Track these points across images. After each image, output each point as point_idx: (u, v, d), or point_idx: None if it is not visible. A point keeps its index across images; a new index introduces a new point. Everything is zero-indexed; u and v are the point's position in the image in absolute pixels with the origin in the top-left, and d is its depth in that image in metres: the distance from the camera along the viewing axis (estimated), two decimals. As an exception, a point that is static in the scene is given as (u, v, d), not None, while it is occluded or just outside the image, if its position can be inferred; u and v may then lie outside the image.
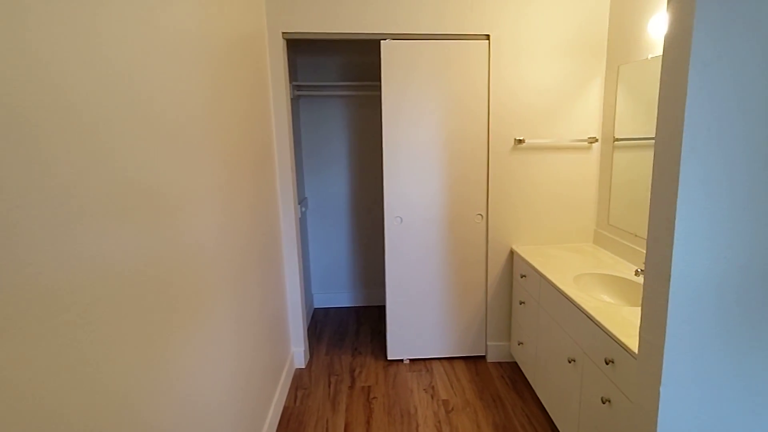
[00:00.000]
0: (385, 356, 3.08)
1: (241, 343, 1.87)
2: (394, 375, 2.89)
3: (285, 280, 2.81)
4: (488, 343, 2.95)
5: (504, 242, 2.81)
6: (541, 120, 2.65)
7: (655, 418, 1.23)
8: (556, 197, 2.75)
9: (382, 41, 2.60)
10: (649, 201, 2.33)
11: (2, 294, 0.68)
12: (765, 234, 1.16)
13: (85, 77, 0.90)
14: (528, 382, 2.73)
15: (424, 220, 2.79)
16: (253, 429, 1.99)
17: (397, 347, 2.98)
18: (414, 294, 2.89)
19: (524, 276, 2.59)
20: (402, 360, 3.03)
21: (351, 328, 3.59)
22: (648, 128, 2.27)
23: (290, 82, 3.10)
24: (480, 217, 2.80)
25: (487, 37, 2.58)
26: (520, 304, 2.66)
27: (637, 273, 2.12)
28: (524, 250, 2.69)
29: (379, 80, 2.76)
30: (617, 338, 1.62)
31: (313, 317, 3.82)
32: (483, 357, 3.02)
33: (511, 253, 2.82)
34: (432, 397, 2.64)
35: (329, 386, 2.78)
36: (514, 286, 2.79)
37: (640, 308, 1.84)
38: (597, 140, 2.65)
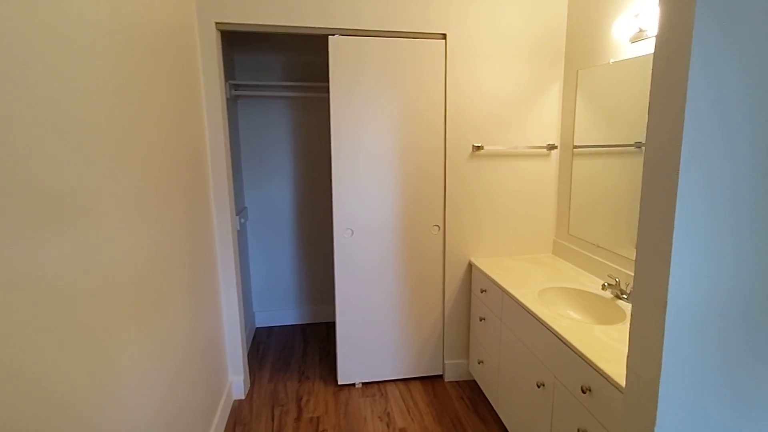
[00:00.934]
0: (336, 380, 2.82)
1: (163, 380, 1.55)
2: (346, 402, 2.63)
3: (221, 300, 2.48)
4: (446, 361, 2.77)
5: (462, 254, 2.65)
6: (499, 126, 2.53)
7: (652, 467, 1.07)
8: (515, 206, 2.63)
9: (330, 37, 2.36)
10: (612, 211, 2.29)
11: None
12: (775, 253, 1.03)
13: None
14: (489, 403, 2.57)
15: (376, 232, 2.58)
16: (179, 488, 1.67)
17: (349, 370, 2.73)
18: (366, 312, 2.65)
19: (484, 291, 2.44)
20: (354, 384, 2.78)
21: (297, 349, 3.29)
22: (609, 135, 2.19)
23: (227, 80, 2.78)
24: (437, 228, 2.63)
25: (444, 36, 2.42)
26: (480, 320, 2.50)
27: (604, 287, 2.01)
28: (483, 263, 2.55)
29: (328, 81, 2.52)
30: (594, 364, 1.47)
31: (254, 338, 3.48)
32: (440, 376, 2.84)
33: (470, 265, 2.66)
34: (388, 426, 2.41)
35: (272, 419, 2.48)
36: (473, 301, 2.64)
37: (612, 327, 1.74)
38: (556, 147, 2.56)
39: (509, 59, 2.46)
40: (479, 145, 2.52)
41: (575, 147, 2.43)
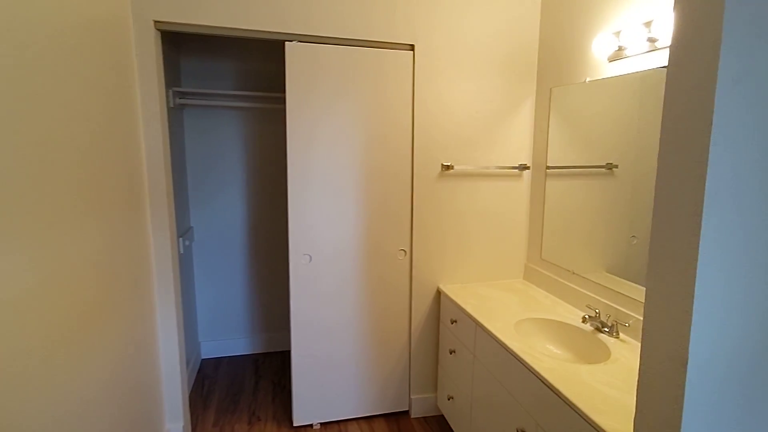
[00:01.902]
0: (291, 421, 2.54)
1: (72, 463, 1.24)
2: (303, 447, 2.36)
3: (157, 333, 2.16)
4: (412, 396, 2.56)
5: (430, 281, 2.46)
6: (470, 144, 2.38)
7: None
8: (486, 229, 2.48)
9: (286, 43, 2.14)
10: (587, 235, 2.13)
11: None
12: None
13: None
14: (459, 442, 2.37)
15: (337, 258, 2.35)
16: None
17: (305, 409, 2.46)
18: (325, 344, 2.40)
19: (455, 321, 2.26)
20: (312, 425, 2.51)
21: (248, 384, 2.98)
22: (585, 156, 2.09)
23: (170, 87, 2.49)
24: (403, 252, 2.43)
25: (412, 47, 2.26)
26: (450, 353, 2.31)
27: (584, 320, 1.88)
28: (452, 290, 2.37)
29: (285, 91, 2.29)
30: (586, 416, 1.31)
31: (199, 371, 3.13)
32: (406, 413, 2.62)
33: (438, 293, 2.48)
34: (350, 475, 2.16)
35: (218, 474, 2.17)
36: (442, 331, 2.45)
37: (598, 367, 1.55)
38: (528, 167, 2.44)
39: (481, 74, 2.33)
40: (449, 164, 2.36)
41: (548, 167, 2.32)
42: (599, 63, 1.91)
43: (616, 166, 1.95)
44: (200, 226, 3.12)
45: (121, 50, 1.77)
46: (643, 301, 1.78)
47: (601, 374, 1.52)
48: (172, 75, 2.66)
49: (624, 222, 1.90)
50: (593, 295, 2.01)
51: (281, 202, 3.25)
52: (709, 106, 0.80)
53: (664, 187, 0.90)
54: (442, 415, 2.57)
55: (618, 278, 1.92)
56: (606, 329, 1.82)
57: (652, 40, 1.61)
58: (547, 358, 1.62)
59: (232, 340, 3.32)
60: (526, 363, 1.60)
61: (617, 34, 1.74)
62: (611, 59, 1.84)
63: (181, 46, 2.91)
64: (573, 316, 2.02)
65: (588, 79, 1.98)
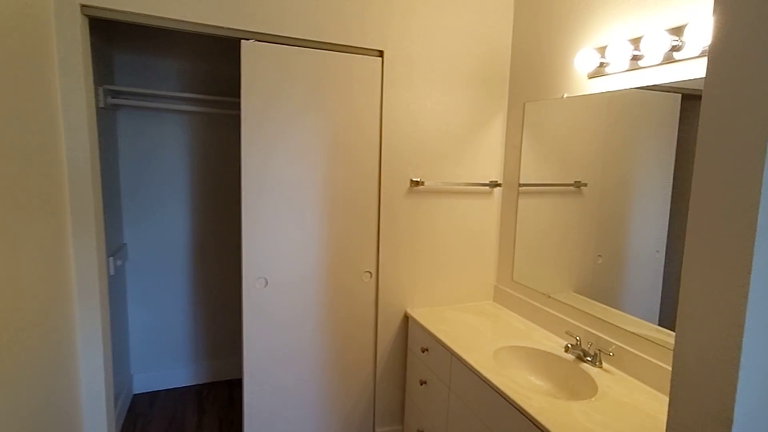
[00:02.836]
0: (241, 465, 2.25)
1: None
2: (255, 497, 2.08)
3: (79, 368, 1.82)
4: (377, 429, 2.36)
5: (397, 304, 2.29)
6: (440, 158, 2.24)
7: None
8: (456, 249, 2.35)
9: (243, 41, 1.91)
10: (563, 257, 1.97)
11: None
12: None
13: None
14: (428, 479, 2.20)
15: (297, 280, 2.11)
16: None
17: (258, 452, 2.18)
18: (281, 375, 2.15)
19: (426, 350, 2.09)
20: (264, 469, 2.23)
21: (190, 421, 2.64)
22: (558, 174, 2.02)
23: (100, 84, 2.17)
24: (369, 274, 2.24)
25: (381, 53, 2.09)
26: (421, 384, 2.14)
27: (567, 349, 1.77)
28: (422, 315, 2.21)
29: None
30: (588, 466, 1.18)
31: (130, 409, 2.74)
32: (370, 447, 2.41)
33: (406, 317, 2.31)
34: None
35: None
36: (411, 360, 2.27)
37: (588, 403, 1.41)
38: (499, 185, 2.34)
39: (452, 85, 2.20)
40: (418, 179, 2.21)
41: (521, 185, 2.23)
42: (579, 79, 1.84)
43: (585, 185, 1.91)
44: (136, 244, 2.76)
45: (34, 37, 1.46)
46: (621, 326, 1.74)
47: (594, 412, 1.41)
48: (104, 71, 2.32)
49: (591, 241, 1.87)
50: (570, 320, 1.92)
51: (233, 218, 2.95)
52: (763, 129, 0.69)
53: (702, 231, 0.78)
54: (408, 449, 2.39)
55: (586, 299, 1.88)
56: (588, 358, 1.72)
57: (636, 58, 1.55)
58: (536, 395, 1.49)
59: (170, 370, 2.96)
60: (514, 402, 1.46)
61: (601, 49, 1.67)
62: (591, 76, 1.77)
63: (116, 39, 2.57)
64: (551, 343, 1.91)
65: (566, 95, 1.91)
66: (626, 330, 1.68)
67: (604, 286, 1.82)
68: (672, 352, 1.52)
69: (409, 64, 2.12)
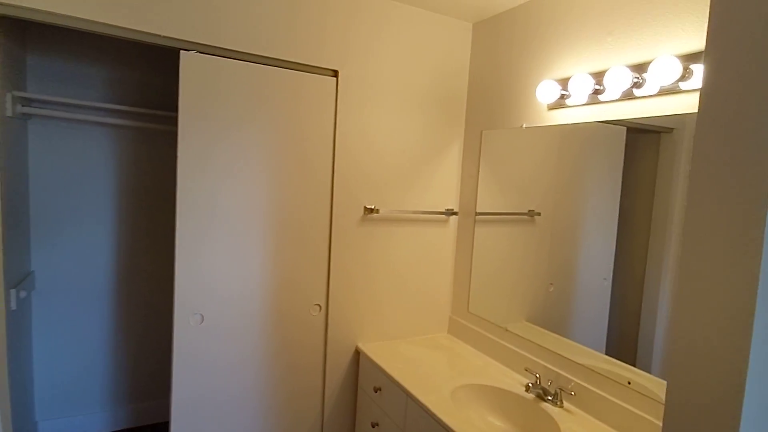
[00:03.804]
0: None
1: None
2: None
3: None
4: (323, 477, 2.16)
5: (347, 339, 2.13)
6: (395, 185, 2.15)
7: None
8: (410, 279, 2.24)
9: (182, 52, 1.72)
10: (521, 288, 1.86)
11: None
12: None
13: None
14: None
15: (238, 317, 1.90)
16: None
17: None
18: (217, 424, 1.91)
19: (379, 389, 1.95)
20: None
21: (105, 478, 2.29)
22: (514, 202, 2.00)
23: (9, 90, 1.88)
24: (318, 308, 2.07)
25: (336, 73, 1.98)
26: (373, 426, 1.99)
27: (527, 388, 1.70)
28: (374, 350, 2.07)
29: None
30: None
31: (34, 467, 2.34)
32: (315, 497, 2.20)
33: (357, 353, 2.15)
34: None
35: None
36: (362, 400, 2.12)
37: None
38: (456, 213, 2.27)
39: (409, 110, 2.13)
40: (372, 207, 2.09)
41: (478, 214, 2.18)
42: (539, 109, 1.82)
43: (539, 214, 1.92)
44: (45, 272, 2.40)
45: None
46: (576, 360, 1.70)
47: (561, 461, 1.33)
48: (13, 75, 2.02)
49: (543, 269, 1.87)
50: (527, 355, 1.86)
51: (167, 244, 2.66)
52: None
53: (689, 272, 0.73)
54: (357, 496, 2.21)
55: (539, 328, 1.86)
56: (549, 397, 1.66)
57: (597, 92, 1.54)
58: (500, 444, 1.39)
59: (85, 415, 2.58)
60: (477, 451, 1.36)
61: (563, 81, 1.66)
62: (551, 107, 1.76)
63: (29, 40, 2.26)
64: (510, 380, 1.84)
65: (525, 125, 1.89)
66: (582, 365, 1.65)
67: (555, 314, 1.82)
68: (627, 389, 1.51)
69: (365, 86, 2.02)
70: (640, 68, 1.43)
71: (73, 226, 2.43)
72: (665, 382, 1.41)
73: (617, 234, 1.59)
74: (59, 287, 2.44)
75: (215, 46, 1.75)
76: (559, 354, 1.75)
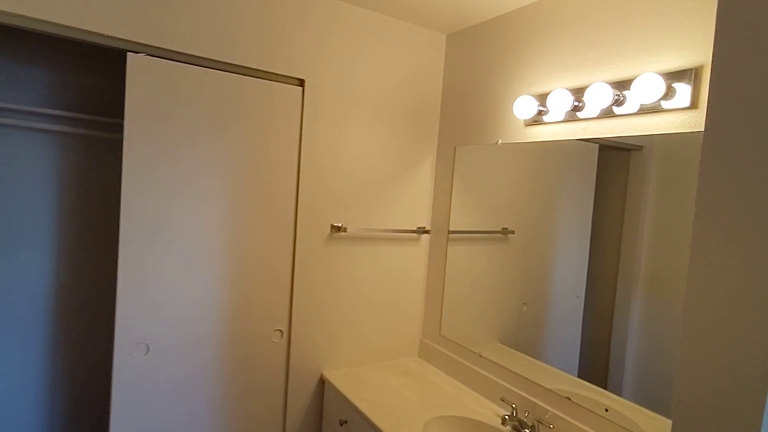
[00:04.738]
0: None
1: None
2: None
3: None
4: None
5: (311, 367, 1.98)
6: (363, 202, 2.03)
7: None
8: (380, 301, 2.12)
9: (129, 54, 1.56)
10: (496, 311, 1.77)
11: None
12: None
13: None
14: None
15: (189, 346, 1.72)
16: None
17: None
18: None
19: (345, 422, 1.80)
20: None
21: None
22: (488, 220, 1.92)
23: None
24: (279, 333, 1.91)
25: (302, 82, 1.85)
26: (338, 464, 1.83)
27: (504, 421, 1.60)
28: (340, 378, 1.92)
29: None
30: None
31: None
32: None
33: (322, 381, 2.00)
34: None
35: None
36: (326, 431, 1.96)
37: None
38: (428, 231, 2.17)
39: (379, 123, 2.02)
40: (340, 225, 1.96)
41: (451, 232, 2.08)
42: (515, 125, 1.75)
43: (513, 232, 1.85)
44: (-30, 295, 2.14)
45: None
46: (551, 388, 1.61)
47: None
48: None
49: (516, 288, 1.81)
50: (502, 382, 1.76)
51: (110, 265, 2.43)
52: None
53: (699, 299, 0.64)
54: None
55: (513, 350, 1.80)
56: (527, 430, 1.56)
57: (576, 109, 1.48)
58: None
59: (13, 455, 2.30)
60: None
61: (541, 96, 1.59)
62: (528, 123, 1.69)
63: (-40, 36, 2.03)
64: (485, 411, 1.74)
65: (500, 141, 1.82)
66: (557, 393, 1.57)
67: (529, 335, 1.77)
68: (605, 420, 1.43)
69: (333, 96, 1.90)
70: (621, 85, 1.37)
71: (7, 243, 2.18)
72: (642, 408, 1.36)
73: (589, 252, 1.56)
74: (-14, 312, 2.17)
75: (167, 49, 1.60)
76: (534, 382, 1.66)
